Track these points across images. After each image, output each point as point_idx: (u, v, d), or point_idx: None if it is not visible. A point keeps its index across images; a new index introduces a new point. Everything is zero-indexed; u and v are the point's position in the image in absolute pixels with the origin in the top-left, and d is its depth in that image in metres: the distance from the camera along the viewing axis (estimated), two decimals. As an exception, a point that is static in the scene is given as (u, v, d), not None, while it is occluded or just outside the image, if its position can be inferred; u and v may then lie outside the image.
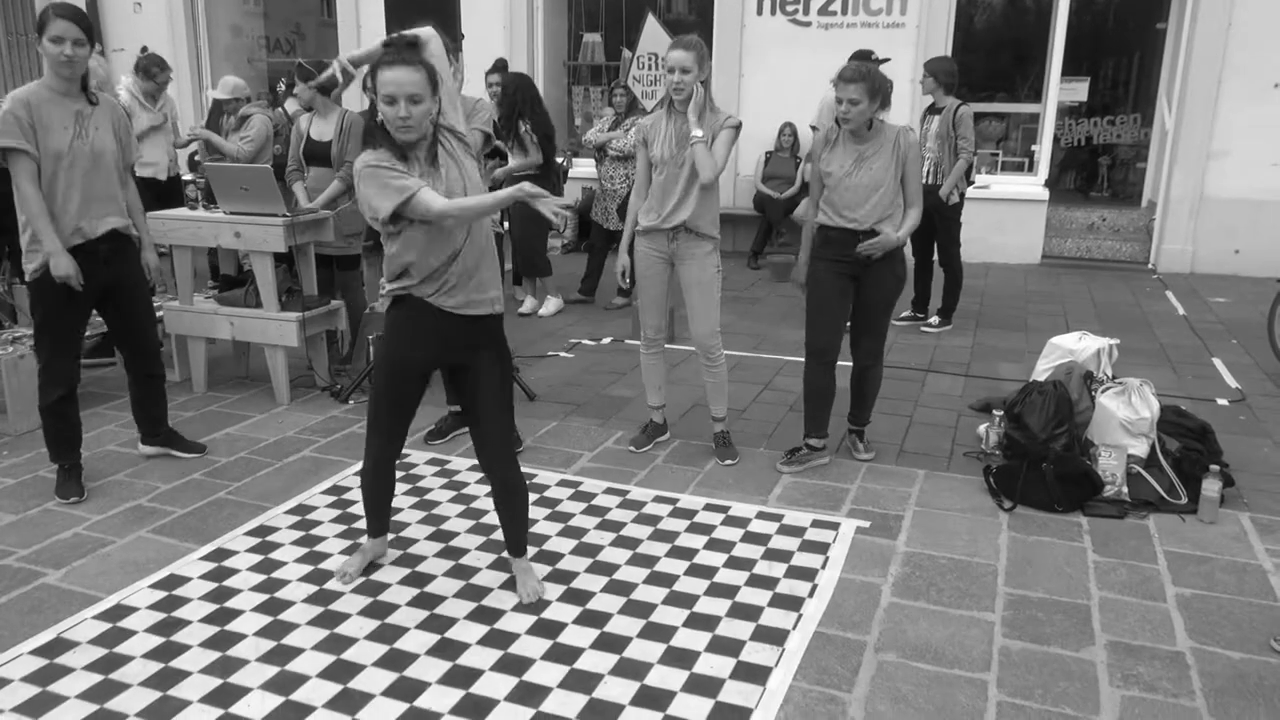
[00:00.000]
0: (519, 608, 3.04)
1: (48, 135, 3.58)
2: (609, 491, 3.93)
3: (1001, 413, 4.24)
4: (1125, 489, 3.82)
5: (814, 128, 7.02)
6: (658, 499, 3.86)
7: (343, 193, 5.33)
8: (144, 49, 7.73)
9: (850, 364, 4.18)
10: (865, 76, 3.75)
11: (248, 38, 11.85)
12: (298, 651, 2.80)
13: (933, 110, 6.47)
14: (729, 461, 4.20)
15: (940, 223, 6.49)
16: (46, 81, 3.63)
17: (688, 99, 3.88)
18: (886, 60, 6.63)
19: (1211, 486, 3.68)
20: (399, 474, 4.09)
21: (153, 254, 4.13)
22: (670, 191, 4.00)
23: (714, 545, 3.48)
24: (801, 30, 8.98)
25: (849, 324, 4.10)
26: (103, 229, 3.76)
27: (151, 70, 6.67)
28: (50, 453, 3.92)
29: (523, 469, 4.11)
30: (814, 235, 4.08)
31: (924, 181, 6.40)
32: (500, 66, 7.10)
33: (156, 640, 2.86)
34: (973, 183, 6.56)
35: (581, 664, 2.75)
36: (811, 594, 3.15)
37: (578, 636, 2.89)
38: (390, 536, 3.49)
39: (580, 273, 7.49)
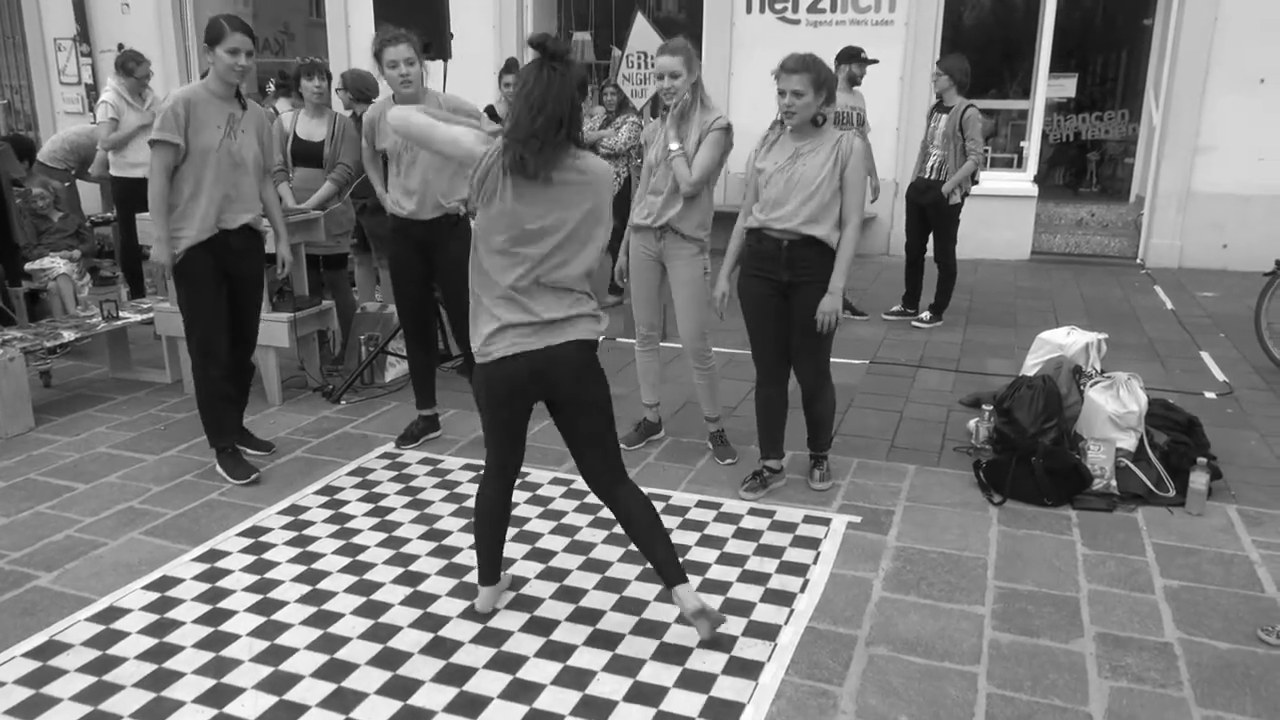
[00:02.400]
0: (512, 605, 3.05)
1: (200, 132, 3.79)
2: (601, 489, 3.93)
3: (991, 407, 4.26)
4: (1114, 482, 3.84)
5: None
6: (650, 496, 3.86)
7: (334, 194, 5.32)
8: (120, 46, 7.69)
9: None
10: (809, 66, 3.45)
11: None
12: (291, 651, 2.81)
13: (940, 109, 6.49)
14: (728, 461, 4.20)
15: (938, 220, 6.52)
16: (209, 84, 3.87)
17: (678, 103, 3.90)
18: (875, 61, 6.65)
19: (1199, 479, 3.71)
20: (391, 474, 4.10)
21: (287, 248, 4.32)
22: (659, 192, 4.04)
23: (706, 542, 3.49)
24: (791, 28, 8.99)
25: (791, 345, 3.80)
26: (239, 223, 3.97)
27: (129, 65, 6.65)
28: (210, 438, 4.08)
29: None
30: (740, 246, 3.83)
31: (927, 177, 6.45)
32: (511, 67, 7.10)
33: (150, 641, 2.86)
34: (977, 183, 6.58)
35: (575, 661, 2.76)
36: (803, 589, 3.16)
37: (571, 634, 2.90)
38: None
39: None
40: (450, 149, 2.70)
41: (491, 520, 2.97)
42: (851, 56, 6.47)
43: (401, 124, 2.75)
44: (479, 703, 2.57)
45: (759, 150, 3.75)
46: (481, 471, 4.12)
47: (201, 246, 3.86)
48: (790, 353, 3.81)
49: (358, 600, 3.09)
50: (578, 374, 2.80)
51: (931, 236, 6.64)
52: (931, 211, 6.51)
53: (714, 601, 3.07)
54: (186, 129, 3.76)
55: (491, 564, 3.01)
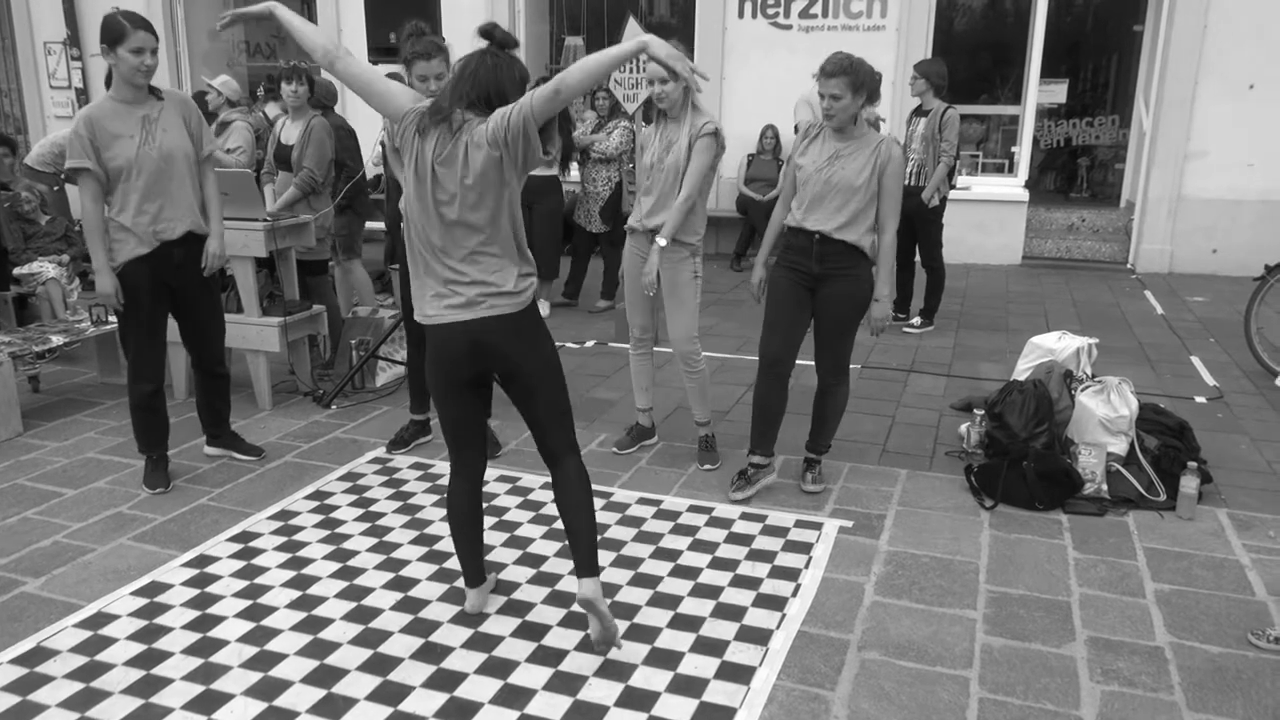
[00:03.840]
0: (504, 610, 3.04)
1: (112, 146, 3.59)
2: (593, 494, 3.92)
3: (983, 412, 4.26)
4: (1105, 486, 3.85)
5: (797, 128, 7.08)
6: (641, 501, 3.87)
7: (297, 199, 5.28)
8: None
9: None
10: (848, 70, 3.47)
11: (227, 42, 11.79)
12: (281, 657, 2.79)
13: (919, 112, 6.51)
14: (708, 466, 4.20)
15: (921, 225, 6.53)
16: (114, 93, 3.64)
17: (671, 106, 3.92)
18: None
19: (1190, 483, 3.72)
20: (381, 479, 4.09)
21: (217, 242, 3.96)
22: (651, 194, 4.05)
23: (697, 546, 3.48)
24: (782, 33, 9.02)
25: (814, 338, 3.85)
26: (179, 232, 3.78)
27: None
28: (139, 445, 4.00)
29: (506, 471, 4.13)
30: (777, 236, 3.88)
31: (906, 183, 6.47)
32: None
33: (138, 647, 2.84)
34: (954, 186, 6.61)
35: (566, 666, 2.75)
36: (795, 593, 3.16)
37: (562, 639, 2.89)
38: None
39: (564, 276, 7.50)
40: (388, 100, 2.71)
41: (459, 523, 2.95)
42: None
43: (331, 59, 2.84)
44: (470, 708, 2.56)
45: (799, 144, 3.77)
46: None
47: (139, 259, 3.71)
48: (799, 349, 3.85)
49: (348, 605, 3.08)
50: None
51: (917, 243, 6.67)
52: (914, 217, 6.52)
53: (706, 606, 3.07)
54: (96, 149, 3.56)
55: (472, 565, 3.02)
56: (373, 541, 3.52)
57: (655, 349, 4.37)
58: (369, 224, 6.84)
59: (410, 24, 4.01)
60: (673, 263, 4.06)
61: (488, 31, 2.67)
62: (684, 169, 3.93)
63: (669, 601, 3.10)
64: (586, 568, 2.71)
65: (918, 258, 6.74)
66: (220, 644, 2.86)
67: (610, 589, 3.17)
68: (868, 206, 3.63)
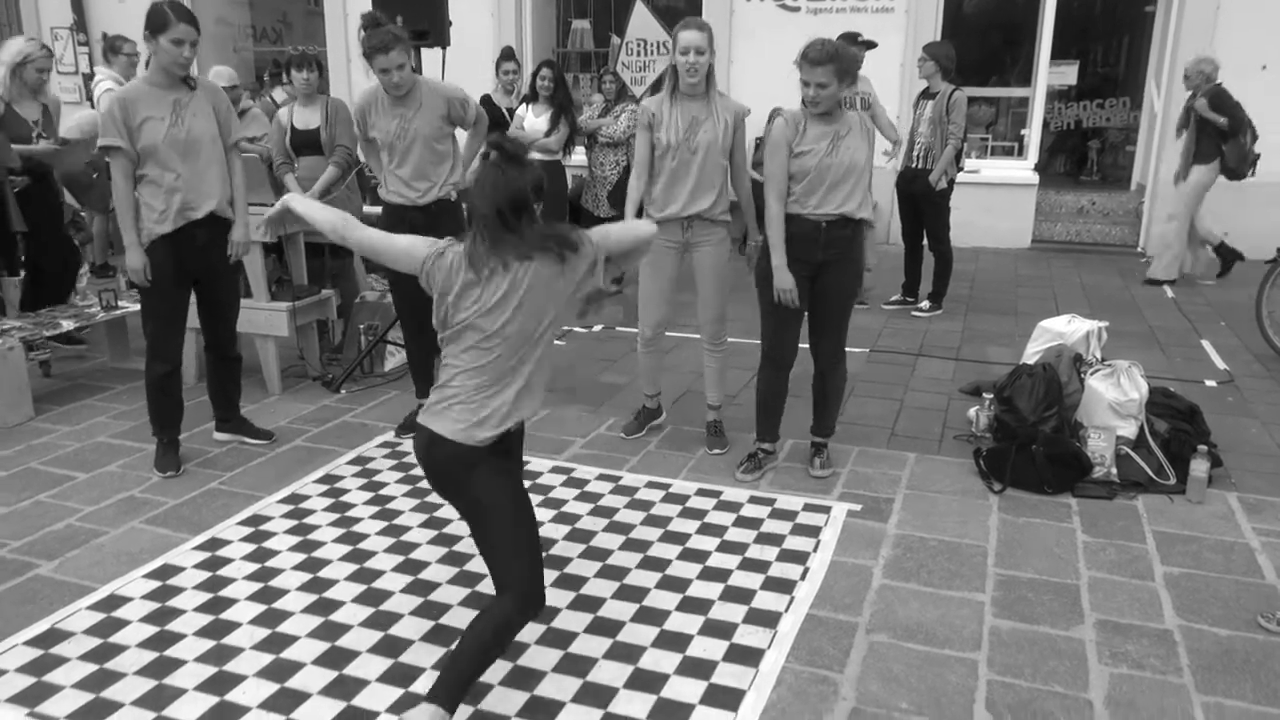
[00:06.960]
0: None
1: (143, 128, 3.67)
2: (601, 478, 3.94)
3: (991, 395, 4.26)
4: (1114, 470, 3.84)
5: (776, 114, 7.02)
6: (650, 484, 3.88)
7: (337, 179, 5.30)
8: (104, 35, 7.69)
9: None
10: (834, 57, 3.46)
11: (233, 27, 11.76)
12: (292, 639, 2.81)
13: (926, 95, 6.48)
14: (717, 451, 4.20)
15: (929, 208, 6.50)
16: (149, 77, 3.74)
17: (699, 81, 3.86)
18: (874, 45, 6.62)
19: (1199, 467, 3.71)
20: (391, 462, 4.10)
21: (241, 230, 4.04)
22: (683, 179, 3.95)
23: (706, 530, 3.49)
24: (790, 15, 8.96)
25: (810, 324, 3.86)
26: (204, 211, 3.85)
27: (116, 44, 6.70)
28: (153, 427, 4.04)
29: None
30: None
31: (914, 166, 6.44)
32: (508, 55, 7.11)
33: (151, 629, 2.86)
34: (962, 168, 6.58)
35: (575, 648, 2.77)
36: (803, 577, 3.17)
37: (572, 621, 2.90)
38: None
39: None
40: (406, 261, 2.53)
41: None
42: (849, 42, 6.46)
43: (343, 234, 2.62)
44: (480, 690, 2.58)
45: (795, 135, 3.64)
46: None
47: (164, 239, 3.77)
48: (810, 335, 3.86)
49: (358, 588, 3.09)
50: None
51: (924, 226, 6.64)
52: (921, 200, 6.50)
53: (714, 589, 3.07)
54: (128, 128, 3.64)
55: None
56: (383, 525, 3.53)
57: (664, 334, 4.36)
58: (366, 209, 6.84)
59: (365, 14, 4.02)
60: (713, 244, 4.04)
61: (496, 144, 2.52)
62: (723, 148, 3.93)
63: (678, 584, 3.11)
64: (434, 692, 2.28)
65: (925, 241, 6.71)
66: (232, 626, 2.88)
67: (620, 571, 3.19)
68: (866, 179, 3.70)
